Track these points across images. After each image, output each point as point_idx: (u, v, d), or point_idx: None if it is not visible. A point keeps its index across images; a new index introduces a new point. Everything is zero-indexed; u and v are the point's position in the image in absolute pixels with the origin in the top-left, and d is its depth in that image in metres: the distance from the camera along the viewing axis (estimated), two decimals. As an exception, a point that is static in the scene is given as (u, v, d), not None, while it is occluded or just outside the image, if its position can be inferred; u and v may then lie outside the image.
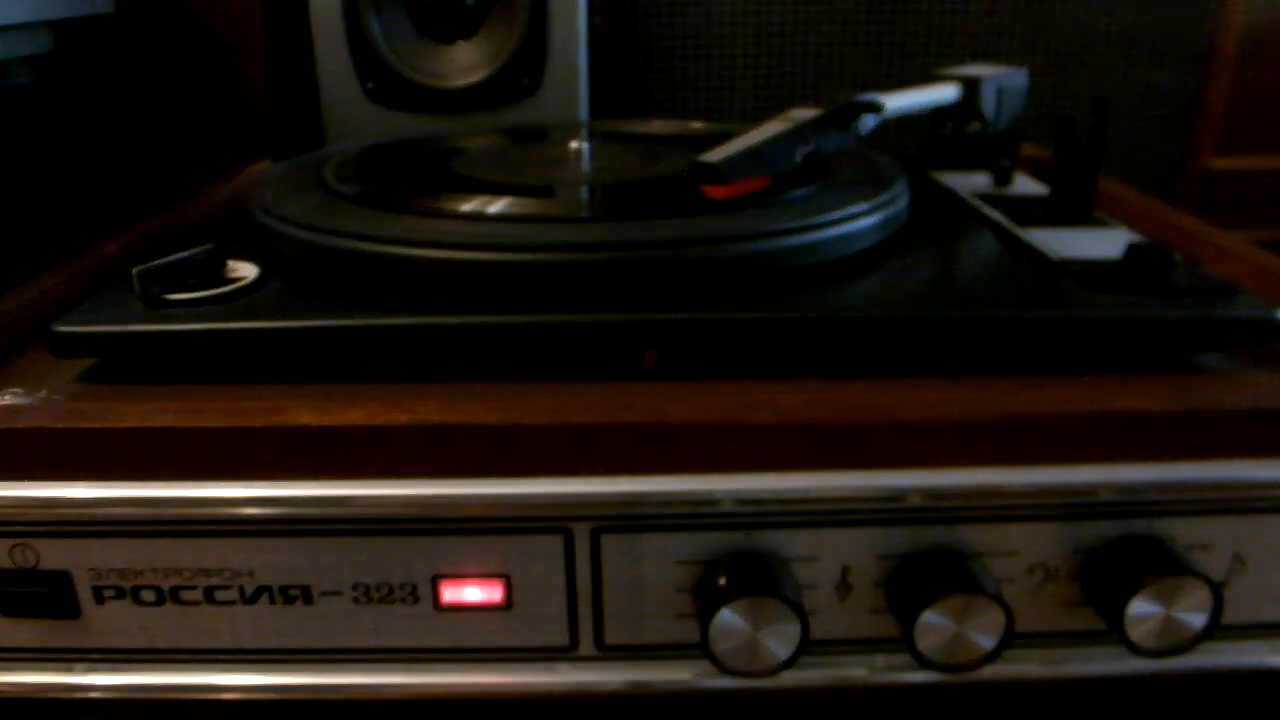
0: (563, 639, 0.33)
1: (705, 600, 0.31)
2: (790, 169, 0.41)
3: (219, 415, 0.30)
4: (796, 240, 0.36)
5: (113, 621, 0.32)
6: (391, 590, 0.32)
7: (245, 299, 0.35)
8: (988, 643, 0.31)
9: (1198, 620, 0.31)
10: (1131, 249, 0.36)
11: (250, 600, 0.32)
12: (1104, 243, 0.41)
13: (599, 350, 0.34)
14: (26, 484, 0.30)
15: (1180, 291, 0.35)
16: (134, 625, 0.32)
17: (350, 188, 0.42)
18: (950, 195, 0.51)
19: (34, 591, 0.32)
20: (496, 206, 0.39)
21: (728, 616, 0.30)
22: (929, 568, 0.31)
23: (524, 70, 0.66)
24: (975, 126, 0.55)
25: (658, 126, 0.60)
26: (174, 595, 0.32)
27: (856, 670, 0.33)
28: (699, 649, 0.31)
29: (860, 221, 0.38)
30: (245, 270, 0.37)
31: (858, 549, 0.32)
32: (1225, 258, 0.43)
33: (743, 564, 0.31)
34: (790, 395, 0.31)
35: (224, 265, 0.37)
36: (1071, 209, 0.45)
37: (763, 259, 0.36)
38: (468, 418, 0.30)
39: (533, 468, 0.31)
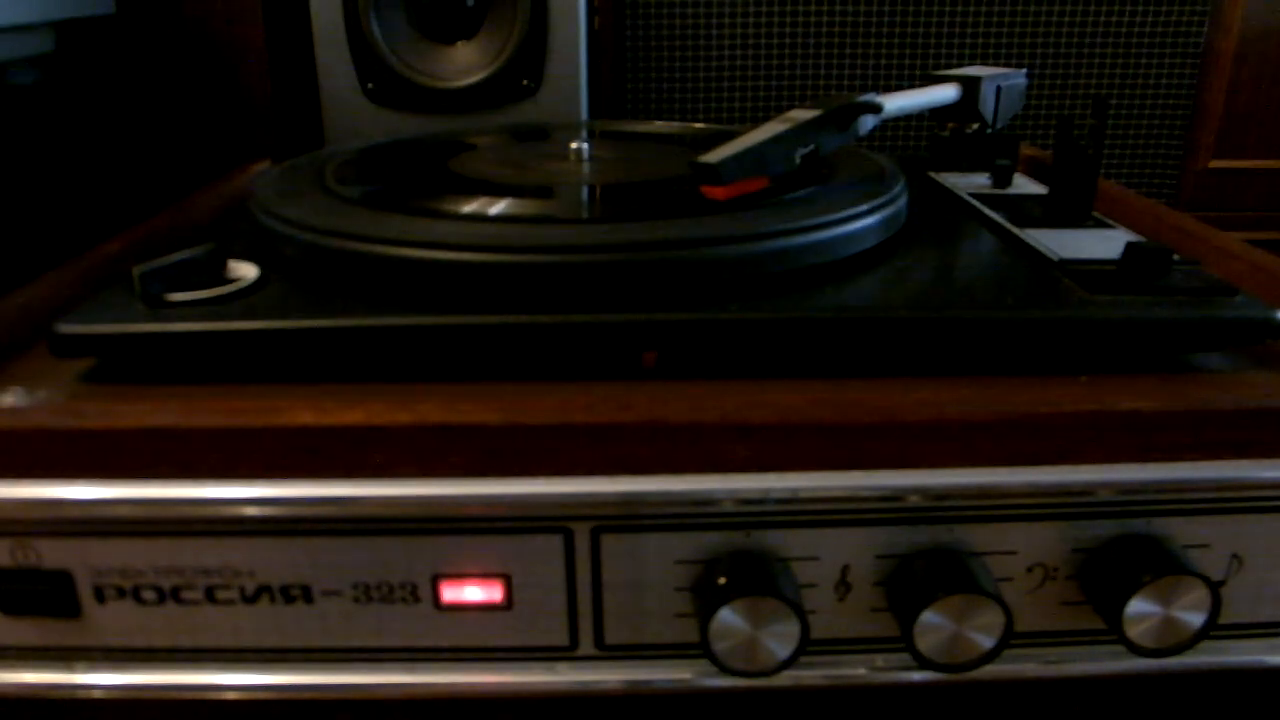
0: (563, 639, 0.33)
1: (705, 600, 0.31)
2: (789, 170, 0.41)
3: (219, 415, 0.30)
4: (796, 241, 0.36)
5: (113, 621, 0.32)
6: (391, 590, 0.32)
7: (245, 299, 0.35)
8: (987, 642, 0.31)
9: (1196, 619, 0.31)
10: (1130, 249, 0.36)
11: (251, 600, 0.32)
12: (1103, 243, 0.41)
13: (599, 350, 0.34)
14: (27, 484, 0.30)
15: (1179, 291, 0.35)
16: (134, 624, 0.32)
17: (350, 188, 0.42)
18: (950, 195, 0.51)
19: (35, 590, 0.32)
20: (496, 207, 0.39)
21: (727, 616, 0.30)
22: (928, 567, 0.31)
23: (524, 70, 0.66)
24: (975, 127, 0.55)
25: (658, 126, 0.60)
26: (175, 595, 0.32)
27: (856, 670, 0.33)
28: (699, 649, 0.31)
29: (860, 222, 0.38)
30: (245, 270, 0.37)
31: (857, 549, 0.32)
32: (1224, 258, 0.43)
33: (742, 564, 0.31)
34: (790, 395, 0.31)
35: (224, 265, 0.37)
36: (1071, 209, 0.45)
37: (762, 260, 0.36)
38: (468, 418, 0.30)
39: (533, 468, 0.31)
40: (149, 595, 0.32)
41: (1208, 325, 0.34)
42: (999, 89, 0.54)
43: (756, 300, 0.34)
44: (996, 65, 0.65)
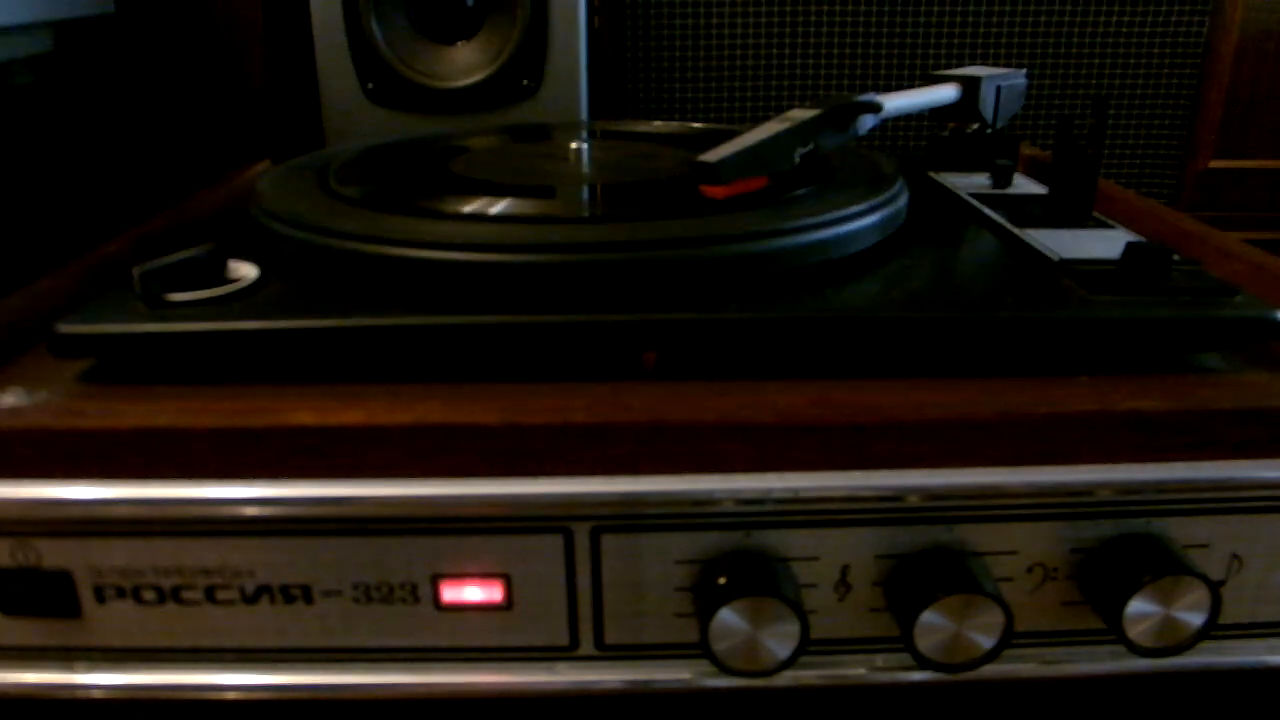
0: (563, 639, 0.33)
1: (705, 600, 0.31)
2: (789, 169, 0.41)
3: (219, 415, 0.30)
4: (795, 240, 0.36)
5: (113, 621, 0.32)
6: (391, 590, 0.32)
7: (246, 299, 0.35)
8: (987, 642, 0.31)
9: (1196, 619, 0.31)
10: (1130, 249, 0.36)
11: (250, 600, 0.32)
12: (1103, 243, 0.41)
13: (599, 350, 0.34)
14: (26, 484, 0.30)
15: (1179, 291, 0.35)
16: (135, 625, 0.32)
17: (351, 188, 0.42)
18: (950, 195, 0.51)
19: (35, 590, 0.32)
20: (497, 207, 0.39)
21: (727, 616, 0.30)
22: (928, 567, 0.31)
23: (524, 70, 0.66)
24: (975, 127, 0.55)
25: (658, 126, 0.60)
26: (175, 595, 0.32)
27: (856, 670, 0.33)
28: (699, 649, 0.31)
29: (859, 222, 0.38)
30: (246, 270, 0.37)
31: (857, 549, 0.32)
32: (1225, 258, 0.43)
33: (742, 564, 0.31)
34: (790, 395, 0.31)
35: (224, 265, 0.37)
36: (1071, 209, 0.45)
37: (762, 259, 0.36)
38: (468, 418, 0.30)
39: (533, 468, 0.31)
40: (149, 595, 0.32)
41: (1208, 325, 0.34)
42: (999, 89, 0.54)
43: (756, 300, 0.34)
44: (996, 65, 0.65)
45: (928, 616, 0.30)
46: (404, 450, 0.30)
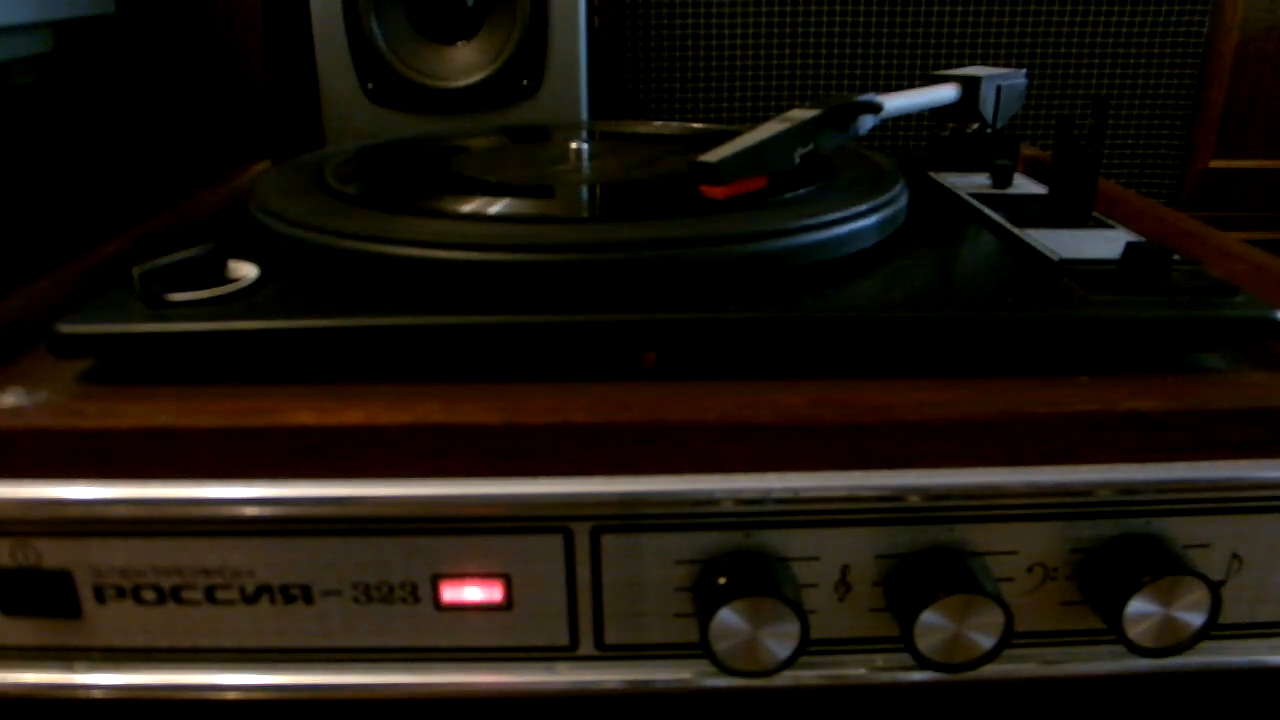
0: (563, 639, 0.33)
1: (705, 600, 0.31)
2: (789, 169, 0.41)
3: (219, 415, 0.30)
4: (795, 240, 0.36)
5: (114, 621, 0.32)
6: (391, 590, 0.32)
7: (245, 299, 0.35)
8: (987, 642, 0.31)
9: (1196, 619, 0.31)
10: (1130, 249, 0.36)
11: (250, 600, 0.32)
12: (1103, 243, 0.41)
13: (599, 350, 0.34)
14: (26, 484, 0.30)
15: (1179, 291, 0.35)
16: (135, 625, 0.32)
17: (350, 188, 0.42)
18: (950, 195, 0.51)
19: (35, 590, 0.32)
20: (496, 207, 0.39)
21: (727, 616, 0.30)
22: (928, 567, 0.31)
23: (524, 70, 0.66)
24: (975, 127, 0.55)
25: (658, 126, 0.60)
26: (175, 595, 0.32)
27: (856, 670, 0.33)
28: (699, 649, 0.31)
29: (859, 222, 0.38)
30: (246, 270, 0.37)
31: (857, 549, 0.32)
32: (1225, 258, 0.43)
33: (742, 564, 0.31)
34: (790, 395, 0.31)
35: (224, 265, 0.37)
36: (1071, 209, 0.45)
37: (762, 259, 0.36)
38: (468, 418, 0.30)
39: (533, 468, 0.31)
40: (149, 595, 0.32)
41: (1208, 325, 0.34)
42: (999, 89, 0.54)
43: (756, 300, 0.34)
44: (996, 65, 0.65)
45: (928, 616, 0.30)
46: (404, 450, 0.30)
